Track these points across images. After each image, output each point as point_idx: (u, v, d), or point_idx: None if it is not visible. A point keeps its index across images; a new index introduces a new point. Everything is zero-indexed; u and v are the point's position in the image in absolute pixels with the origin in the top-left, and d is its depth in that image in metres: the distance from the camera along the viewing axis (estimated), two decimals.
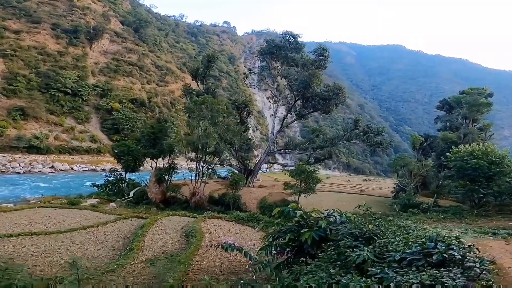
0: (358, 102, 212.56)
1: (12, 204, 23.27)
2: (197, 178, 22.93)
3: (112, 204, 23.98)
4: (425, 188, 29.58)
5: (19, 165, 47.03)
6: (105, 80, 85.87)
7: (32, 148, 54.92)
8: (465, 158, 20.06)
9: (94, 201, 24.02)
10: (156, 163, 24.59)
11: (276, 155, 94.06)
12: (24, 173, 45.12)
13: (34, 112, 64.24)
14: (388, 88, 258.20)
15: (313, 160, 33.25)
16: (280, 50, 33.37)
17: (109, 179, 27.46)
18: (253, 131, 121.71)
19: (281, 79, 32.07)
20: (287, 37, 33.20)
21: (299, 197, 21.95)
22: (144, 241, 12.23)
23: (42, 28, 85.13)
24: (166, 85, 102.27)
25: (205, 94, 29.36)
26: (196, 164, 22.70)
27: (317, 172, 23.00)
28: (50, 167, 49.53)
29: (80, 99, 75.07)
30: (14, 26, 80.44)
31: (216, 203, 24.82)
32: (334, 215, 6.22)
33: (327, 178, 73.53)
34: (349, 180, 74.32)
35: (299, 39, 32.92)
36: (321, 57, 30.37)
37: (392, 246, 4.55)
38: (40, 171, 46.87)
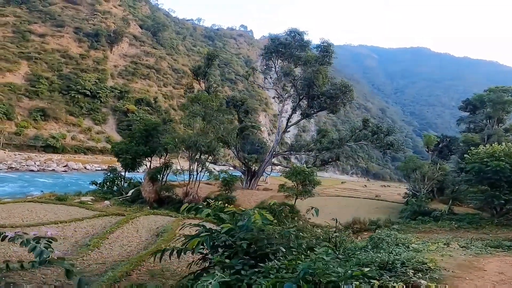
0: (379, 106, 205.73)
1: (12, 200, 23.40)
2: (190, 178, 21.98)
3: (106, 202, 23.55)
4: (442, 194, 26.94)
5: (34, 163, 48.44)
6: (123, 83, 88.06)
7: (49, 148, 56.70)
8: (484, 159, 17.68)
9: (88, 198, 23.71)
10: (151, 162, 23.96)
11: (292, 158, 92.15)
12: (38, 171, 46.35)
13: (54, 113, 66.64)
14: (412, 91, 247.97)
15: (320, 163, 31.42)
16: (285, 48, 32.03)
17: (108, 177, 27.16)
18: (269, 134, 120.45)
19: (284, 76, 30.70)
20: (292, 35, 31.80)
21: (295, 200, 20.41)
22: (107, 238, 11.53)
23: (66, 31, 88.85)
24: (182, 87, 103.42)
25: (206, 92, 28.56)
26: (190, 163, 21.78)
27: (315, 174, 21.29)
28: (63, 166, 50.69)
29: (99, 101, 77.26)
30: (39, 30, 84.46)
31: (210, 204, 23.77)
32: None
33: (342, 183, 71.01)
34: (365, 186, 71.09)
35: (305, 37, 31.41)
36: (325, 53, 28.69)
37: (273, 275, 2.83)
38: (53, 170, 48.00)
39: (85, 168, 52.58)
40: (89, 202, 22.38)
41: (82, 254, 9.70)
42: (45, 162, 49.90)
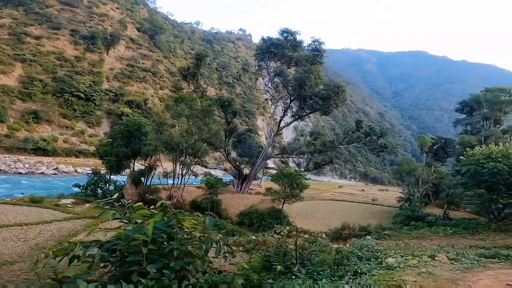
0: (378, 110, 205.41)
1: None
2: (174, 180, 21.02)
3: (88, 205, 22.64)
4: (438, 197, 25.96)
5: (23, 165, 47.47)
6: (118, 86, 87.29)
7: (39, 150, 55.70)
8: (481, 161, 16.75)
9: (68, 201, 22.74)
10: (134, 164, 23.00)
11: (290, 162, 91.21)
12: (26, 173, 45.39)
13: (47, 116, 65.76)
14: (410, 95, 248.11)
15: (313, 166, 30.46)
16: (277, 49, 31.25)
17: (92, 179, 26.16)
18: (266, 138, 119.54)
19: (275, 77, 29.90)
20: (284, 35, 31.01)
21: (283, 204, 19.43)
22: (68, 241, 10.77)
23: (62, 34, 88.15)
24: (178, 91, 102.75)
25: (195, 93, 27.74)
26: (173, 166, 20.84)
27: (304, 176, 20.33)
28: (53, 169, 49.71)
29: (93, 104, 76.32)
30: (35, 32, 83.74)
31: (197, 208, 22.85)
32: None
33: (339, 187, 70.02)
34: (363, 190, 70.08)
35: (297, 37, 30.57)
36: (316, 53, 27.86)
37: None
38: (42, 173, 47.05)
39: (76, 171, 51.54)
40: (68, 205, 21.45)
41: (33, 256, 9.12)
42: (34, 165, 48.90)
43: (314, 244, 8.31)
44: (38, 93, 68.47)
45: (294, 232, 17.75)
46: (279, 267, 3.94)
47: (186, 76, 28.96)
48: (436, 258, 5.62)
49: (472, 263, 6.07)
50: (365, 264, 4.62)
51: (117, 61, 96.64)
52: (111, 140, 23.01)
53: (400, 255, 5.24)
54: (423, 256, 5.48)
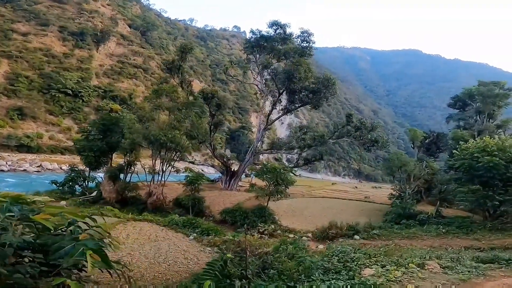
0: (372, 107, 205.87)
1: None
2: (153, 177, 19.81)
3: (63, 202, 21.42)
4: (430, 194, 25.13)
5: (6, 163, 45.73)
6: (108, 82, 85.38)
7: (23, 147, 53.91)
8: (475, 155, 15.83)
9: (40, 198, 21.44)
10: (111, 160, 21.73)
11: (284, 159, 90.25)
12: (8, 171, 43.75)
13: (32, 112, 63.82)
14: (404, 93, 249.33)
15: (303, 161, 29.46)
16: (267, 42, 30.09)
17: (70, 176, 24.85)
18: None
19: (263, 69, 28.78)
20: (274, 28, 29.83)
21: (268, 201, 18.36)
22: None
23: (50, 30, 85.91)
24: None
25: (180, 87, 26.47)
26: (153, 161, 19.63)
27: (292, 172, 19.30)
28: (37, 166, 48.05)
29: (81, 100, 74.42)
30: (22, 29, 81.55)
31: (179, 206, 21.73)
32: None
33: (332, 184, 69.26)
34: (356, 187, 69.40)
35: (287, 30, 29.37)
36: (304, 44, 26.75)
37: None
38: (25, 170, 45.40)
39: (61, 168, 49.77)
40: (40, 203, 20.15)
41: None
42: (17, 162, 47.20)
43: (287, 246, 7.23)
44: (23, 89, 66.47)
45: (279, 231, 16.73)
46: (207, 283, 2.85)
47: (171, 69, 27.67)
48: (426, 267, 4.57)
49: (469, 271, 5.05)
50: (331, 279, 3.56)
51: (107, 58, 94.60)
52: (85, 133, 21.67)
53: (381, 265, 4.17)
54: (410, 264, 4.42)
